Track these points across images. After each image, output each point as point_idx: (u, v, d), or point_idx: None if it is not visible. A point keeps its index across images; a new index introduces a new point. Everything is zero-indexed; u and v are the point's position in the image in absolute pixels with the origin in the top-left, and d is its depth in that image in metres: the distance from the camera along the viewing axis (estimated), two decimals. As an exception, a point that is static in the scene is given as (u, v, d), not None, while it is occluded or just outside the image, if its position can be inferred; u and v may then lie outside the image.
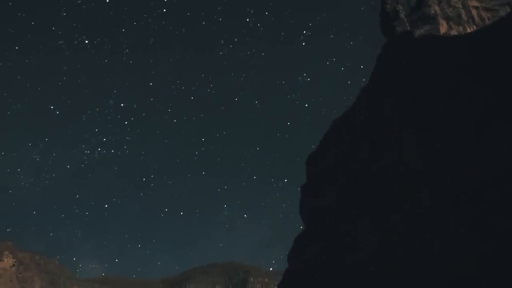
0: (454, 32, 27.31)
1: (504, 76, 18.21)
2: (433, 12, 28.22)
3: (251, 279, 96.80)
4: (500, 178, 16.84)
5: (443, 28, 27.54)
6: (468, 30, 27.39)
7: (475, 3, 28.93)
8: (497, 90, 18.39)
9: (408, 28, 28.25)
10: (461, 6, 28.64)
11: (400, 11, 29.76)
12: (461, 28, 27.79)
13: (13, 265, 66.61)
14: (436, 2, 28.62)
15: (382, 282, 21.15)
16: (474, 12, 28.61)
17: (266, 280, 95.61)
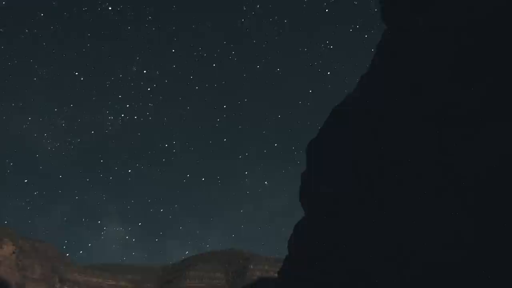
0: (456, 21, 27.05)
1: (504, 65, 18.04)
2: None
3: (251, 266, 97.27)
4: (497, 168, 16.75)
5: (445, 16, 27.26)
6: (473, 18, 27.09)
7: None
8: (498, 79, 18.24)
9: (410, 15, 27.98)
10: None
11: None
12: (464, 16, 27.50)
13: (13, 252, 66.87)
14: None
15: (381, 263, 21.21)
16: None
17: (266, 267, 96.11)
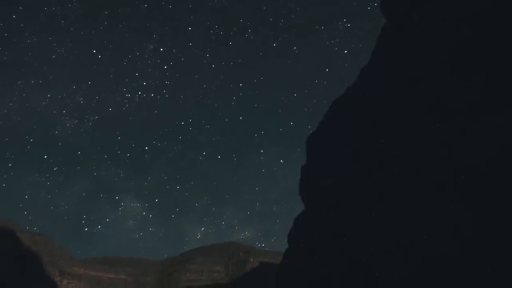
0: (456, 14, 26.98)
1: (503, 57, 18.05)
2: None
3: (251, 259, 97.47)
4: (496, 161, 16.79)
5: (444, 8, 27.18)
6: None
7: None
8: (496, 71, 18.24)
9: (409, 9, 27.90)
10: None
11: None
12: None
13: (12, 246, 66.87)
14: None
15: (380, 256, 21.26)
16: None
17: (266, 260, 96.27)
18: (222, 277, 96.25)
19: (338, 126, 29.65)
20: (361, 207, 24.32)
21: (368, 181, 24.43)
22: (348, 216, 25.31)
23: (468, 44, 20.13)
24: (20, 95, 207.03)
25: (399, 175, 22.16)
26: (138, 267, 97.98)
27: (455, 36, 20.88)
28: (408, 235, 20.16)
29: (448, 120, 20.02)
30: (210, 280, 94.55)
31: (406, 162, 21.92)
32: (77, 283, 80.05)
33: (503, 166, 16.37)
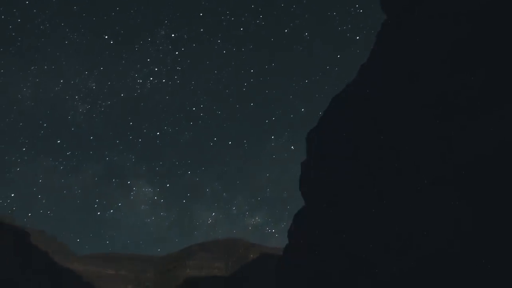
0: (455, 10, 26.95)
1: (503, 53, 18.02)
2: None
3: (251, 255, 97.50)
4: (496, 157, 16.78)
5: (444, 3, 27.15)
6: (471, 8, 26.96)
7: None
8: (497, 67, 18.21)
9: (409, 4, 27.86)
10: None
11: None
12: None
13: (11, 242, 66.89)
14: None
15: (380, 252, 21.29)
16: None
17: (267, 256, 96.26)
18: (222, 273, 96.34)
19: (338, 122, 29.64)
20: (361, 203, 24.34)
21: (368, 177, 24.44)
22: (348, 212, 25.33)
23: (467, 40, 20.09)
24: (33, 81, 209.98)
25: (399, 171, 22.17)
26: (138, 263, 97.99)
27: (455, 32, 20.84)
28: (408, 231, 20.18)
29: (448, 116, 20.01)
30: (210, 276, 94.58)
31: (405, 158, 21.92)
32: (76, 279, 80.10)
33: (503, 162, 16.38)
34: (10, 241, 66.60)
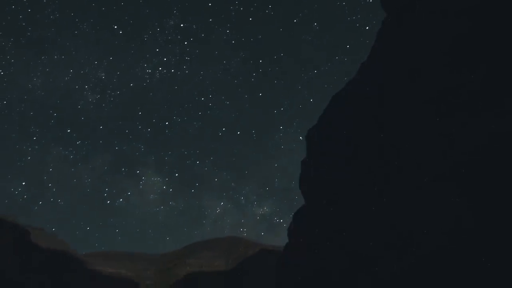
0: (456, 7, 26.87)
1: (504, 50, 17.93)
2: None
3: (251, 253, 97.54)
4: (497, 154, 16.70)
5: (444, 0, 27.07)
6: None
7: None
8: (497, 64, 18.13)
9: (409, 2, 27.78)
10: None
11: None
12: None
13: (12, 240, 66.91)
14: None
15: (380, 250, 21.23)
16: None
17: (266, 254, 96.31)
18: (222, 272, 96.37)
19: (338, 120, 29.55)
20: (361, 201, 24.27)
21: (368, 175, 24.36)
22: (348, 210, 25.25)
23: (468, 37, 20.00)
24: (43, 70, 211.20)
25: (399, 169, 22.09)
26: (139, 261, 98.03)
27: (456, 29, 20.75)
28: (409, 229, 20.11)
29: (448, 113, 19.93)
30: (210, 274, 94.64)
31: (406, 156, 21.85)
32: (76, 277, 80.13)
33: (504, 159, 16.29)
34: (10, 239, 66.62)
